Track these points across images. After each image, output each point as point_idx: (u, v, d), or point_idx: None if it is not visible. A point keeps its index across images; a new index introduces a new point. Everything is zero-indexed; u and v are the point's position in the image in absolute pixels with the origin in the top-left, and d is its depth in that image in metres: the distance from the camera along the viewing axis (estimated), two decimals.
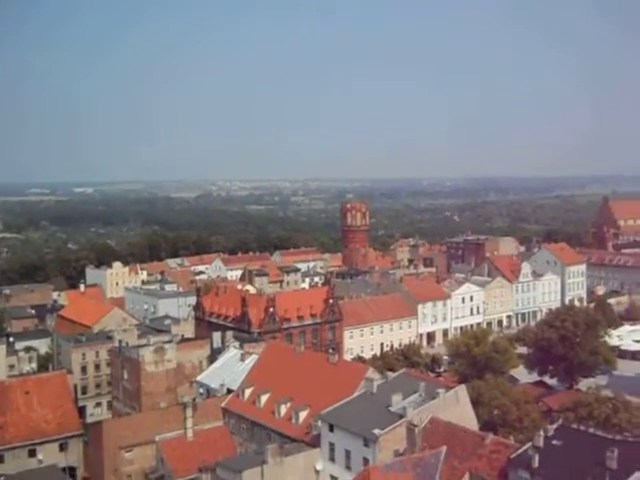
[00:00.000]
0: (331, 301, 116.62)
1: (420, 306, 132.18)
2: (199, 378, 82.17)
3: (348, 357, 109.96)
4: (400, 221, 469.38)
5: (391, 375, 63.90)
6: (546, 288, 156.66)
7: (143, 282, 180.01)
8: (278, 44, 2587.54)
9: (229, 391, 75.05)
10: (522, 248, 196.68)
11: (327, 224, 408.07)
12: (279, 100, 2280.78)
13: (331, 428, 57.75)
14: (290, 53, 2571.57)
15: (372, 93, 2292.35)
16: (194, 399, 74.77)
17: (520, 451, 48.97)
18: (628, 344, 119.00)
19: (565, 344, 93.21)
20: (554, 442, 49.03)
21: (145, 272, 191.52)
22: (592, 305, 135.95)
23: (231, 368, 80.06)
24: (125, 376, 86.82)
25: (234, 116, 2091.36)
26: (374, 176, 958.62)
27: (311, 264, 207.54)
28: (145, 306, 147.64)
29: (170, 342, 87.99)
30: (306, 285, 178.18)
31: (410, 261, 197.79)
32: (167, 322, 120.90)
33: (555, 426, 51.57)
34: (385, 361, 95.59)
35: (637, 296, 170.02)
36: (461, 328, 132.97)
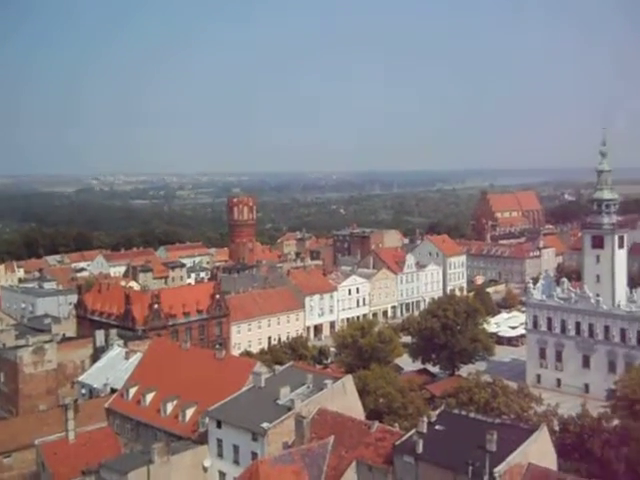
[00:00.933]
0: (217, 296, 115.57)
1: (307, 299, 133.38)
2: (81, 378, 79.37)
3: (236, 352, 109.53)
4: (287, 215, 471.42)
5: (279, 368, 64.11)
6: (429, 278, 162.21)
7: (20, 280, 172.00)
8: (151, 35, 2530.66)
9: (113, 391, 72.97)
10: (406, 240, 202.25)
11: (213, 218, 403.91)
12: (166, 92, 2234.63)
13: (219, 424, 57.36)
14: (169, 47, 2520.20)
15: (264, 88, 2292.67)
16: (76, 400, 72.16)
17: (405, 438, 50.46)
18: (505, 331, 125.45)
19: (447, 332, 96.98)
20: (437, 427, 50.84)
21: (22, 270, 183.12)
22: (472, 294, 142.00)
23: (115, 367, 77.87)
24: (1, 379, 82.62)
25: (121, 108, 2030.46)
26: (262, 170, 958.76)
27: (197, 259, 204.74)
28: (23, 305, 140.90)
29: (50, 342, 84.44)
30: (192, 281, 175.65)
31: (297, 254, 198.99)
32: (47, 321, 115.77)
33: (438, 412, 53.50)
34: (273, 355, 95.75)
35: (513, 285, 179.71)
36: (348, 320, 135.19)
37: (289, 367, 64.96)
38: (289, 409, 55.04)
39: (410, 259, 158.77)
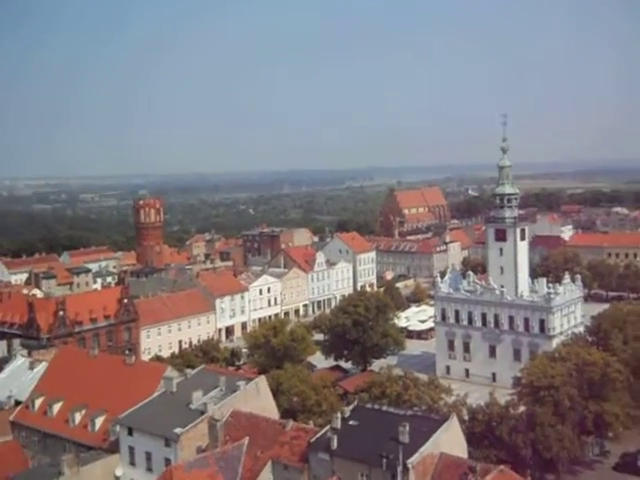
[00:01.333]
0: (126, 301, 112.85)
1: (218, 300, 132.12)
2: None
3: (146, 357, 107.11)
4: (195, 216, 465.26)
5: (190, 372, 63.30)
6: (339, 276, 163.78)
7: None
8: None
9: (17, 403, 70.08)
10: (316, 238, 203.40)
11: (120, 222, 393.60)
12: (67, 92, 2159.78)
13: (130, 432, 56.07)
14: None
15: (166, 89, 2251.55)
16: None
17: (319, 434, 50.80)
18: (415, 324, 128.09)
19: (358, 328, 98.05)
20: (351, 422, 51.46)
21: None
22: (382, 290, 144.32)
23: (19, 378, 74.73)
24: None
25: (19, 108, 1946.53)
26: (169, 171, 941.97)
27: (103, 264, 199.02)
28: None
29: None
30: (98, 286, 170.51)
31: (206, 256, 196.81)
32: None
33: (351, 407, 54.16)
34: (184, 359, 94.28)
35: (422, 279, 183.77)
36: (260, 320, 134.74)
37: (201, 370, 64.27)
38: (202, 413, 54.40)
39: (320, 257, 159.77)
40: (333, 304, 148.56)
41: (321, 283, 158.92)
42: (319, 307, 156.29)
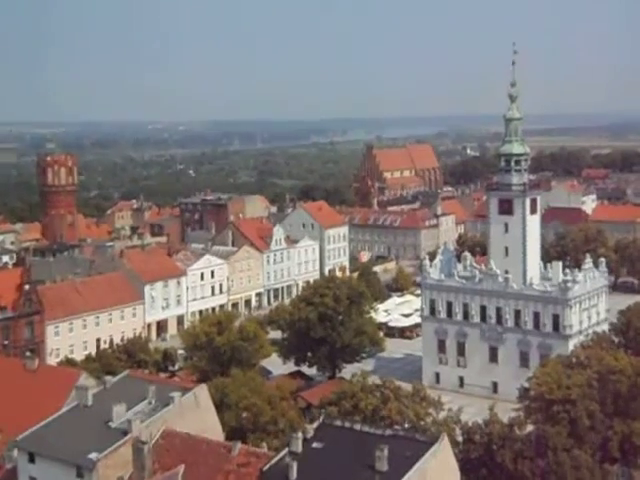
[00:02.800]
0: (27, 287, 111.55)
1: (147, 287, 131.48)
2: None
3: (53, 361, 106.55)
4: (119, 178, 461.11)
5: (111, 380, 62.90)
6: (302, 257, 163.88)
7: None
8: None
9: None
10: (273, 209, 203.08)
11: (19, 184, 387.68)
12: None
13: (31, 458, 55.66)
14: None
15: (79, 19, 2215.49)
16: None
17: (275, 460, 50.76)
18: (396, 319, 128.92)
19: (325, 324, 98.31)
20: (315, 445, 51.53)
21: None
22: (356, 275, 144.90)
23: None
24: None
25: None
26: (84, 119, 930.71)
27: None
28: None
29: None
30: None
31: (133, 229, 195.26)
32: None
33: (316, 425, 54.21)
34: (103, 362, 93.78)
35: (405, 262, 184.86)
36: (200, 313, 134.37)
37: (124, 377, 63.93)
38: (125, 433, 54.15)
39: (279, 233, 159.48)
40: (294, 293, 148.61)
41: (279, 266, 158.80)
42: (276, 297, 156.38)
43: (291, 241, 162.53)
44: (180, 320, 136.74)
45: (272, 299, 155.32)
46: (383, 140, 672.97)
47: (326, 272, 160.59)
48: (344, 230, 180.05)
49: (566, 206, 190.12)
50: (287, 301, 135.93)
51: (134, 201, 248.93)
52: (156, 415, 56.01)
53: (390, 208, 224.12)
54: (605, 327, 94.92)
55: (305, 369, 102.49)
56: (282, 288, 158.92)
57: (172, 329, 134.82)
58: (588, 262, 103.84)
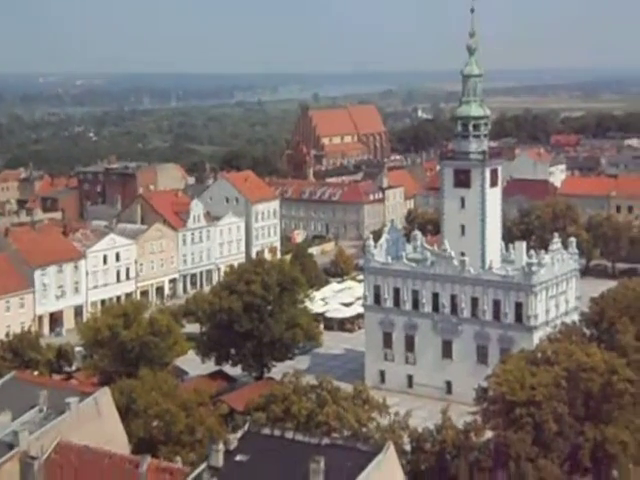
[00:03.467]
0: None
1: (38, 273, 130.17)
2: None
3: None
4: (4, 141, 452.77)
5: None
6: (225, 236, 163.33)
7: None
8: None
9: None
10: (191, 179, 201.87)
11: None
12: None
13: None
14: None
15: None
16: None
17: (191, 477, 50.60)
18: (335, 309, 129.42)
19: (252, 316, 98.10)
20: (238, 458, 51.44)
21: None
22: (288, 258, 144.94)
23: None
24: None
25: None
26: None
27: None
28: None
29: None
30: None
31: (21, 204, 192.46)
32: None
33: (240, 434, 54.11)
34: None
35: (346, 242, 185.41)
36: (103, 302, 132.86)
37: (10, 381, 63.32)
38: (10, 447, 53.56)
39: (197, 208, 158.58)
40: (215, 279, 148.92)
41: (197, 247, 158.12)
42: (194, 284, 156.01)
43: (212, 218, 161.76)
44: (78, 311, 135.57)
45: (189, 286, 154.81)
46: (320, 99, 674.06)
47: (253, 254, 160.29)
48: (274, 205, 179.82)
49: (531, 178, 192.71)
50: (207, 289, 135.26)
51: (22, 170, 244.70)
52: (48, 425, 55.44)
53: (329, 180, 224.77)
54: (575, 317, 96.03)
55: (228, 369, 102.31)
56: (201, 273, 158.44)
57: (69, 322, 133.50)
58: (556, 242, 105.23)
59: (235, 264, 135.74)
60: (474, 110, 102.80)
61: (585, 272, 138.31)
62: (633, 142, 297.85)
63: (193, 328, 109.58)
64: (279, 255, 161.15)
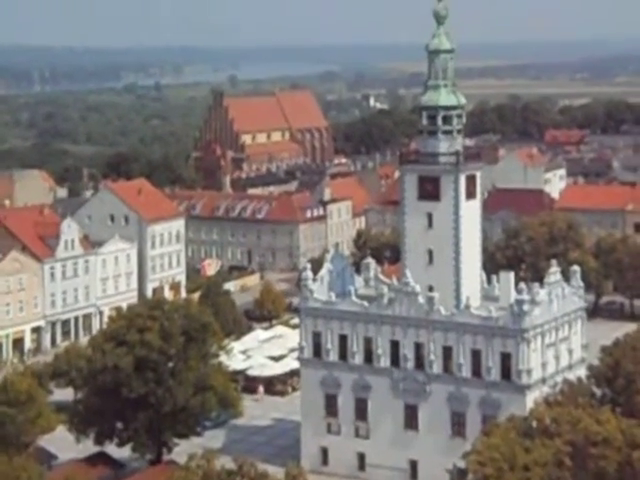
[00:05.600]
0: None
1: None
2: None
3: None
4: None
5: None
6: (110, 268, 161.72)
7: None
8: None
9: None
10: (62, 191, 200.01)
11: None
12: None
13: None
14: None
15: None
16: None
17: None
18: (260, 366, 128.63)
19: (147, 376, 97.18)
20: None
21: None
22: (197, 296, 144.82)
23: None
24: None
25: None
26: None
27: None
28: None
29: None
30: None
31: None
32: None
33: None
34: None
35: (275, 274, 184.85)
36: None
37: None
38: None
39: (70, 230, 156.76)
40: (96, 327, 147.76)
41: (72, 284, 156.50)
42: (66, 333, 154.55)
43: (91, 244, 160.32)
44: None
45: (59, 337, 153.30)
46: (239, 83, 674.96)
47: (149, 292, 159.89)
48: (178, 225, 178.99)
49: (521, 187, 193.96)
50: (84, 340, 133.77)
51: None
52: None
53: (251, 191, 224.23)
54: (582, 372, 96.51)
55: (112, 450, 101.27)
56: (76, 319, 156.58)
57: None
58: (554, 273, 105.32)
59: (124, 306, 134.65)
60: (444, 98, 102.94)
61: (594, 312, 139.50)
62: None
63: (64, 394, 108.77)
64: (184, 293, 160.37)
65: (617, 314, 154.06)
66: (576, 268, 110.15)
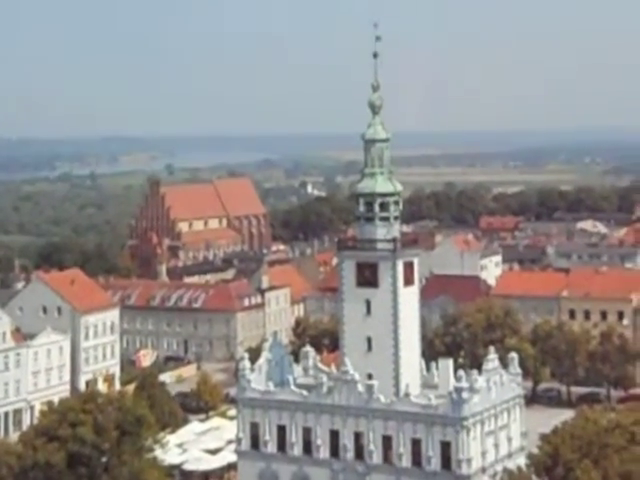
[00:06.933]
0: None
1: None
2: None
3: None
4: None
5: None
6: (42, 361, 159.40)
7: None
8: None
9: None
10: None
11: None
12: None
13: None
14: None
15: None
16: None
17: None
18: (197, 459, 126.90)
19: (80, 472, 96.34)
20: None
21: None
22: (132, 388, 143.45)
23: None
24: None
25: None
26: None
27: None
28: None
29: None
30: None
31: None
32: None
33: None
34: None
35: (212, 365, 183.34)
36: None
37: None
38: None
39: (2, 322, 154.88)
40: (27, 422, 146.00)
41: (1, 378, 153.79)
42: None
43: (23, 336, 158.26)
44: None
45: None
46: (176, 171, 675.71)
47: (82, 385, 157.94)
48: (112, 316, 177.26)
49: (458, 273, 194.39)
50: (14, 436, 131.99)
51: None
52: None
53: (188, 279, 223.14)
54: (522, 461, 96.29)
55: None
56: (6, 414, 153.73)
57: None
58: (492, 359, 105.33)
59: (56, 400, 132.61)
60: (380, 185, 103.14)
61: (532, 399, 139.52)
62: (587, 225, 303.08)
63: None
64: (118, 386, 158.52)
65: (555, 401, 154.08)
66: (514, 355, 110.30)
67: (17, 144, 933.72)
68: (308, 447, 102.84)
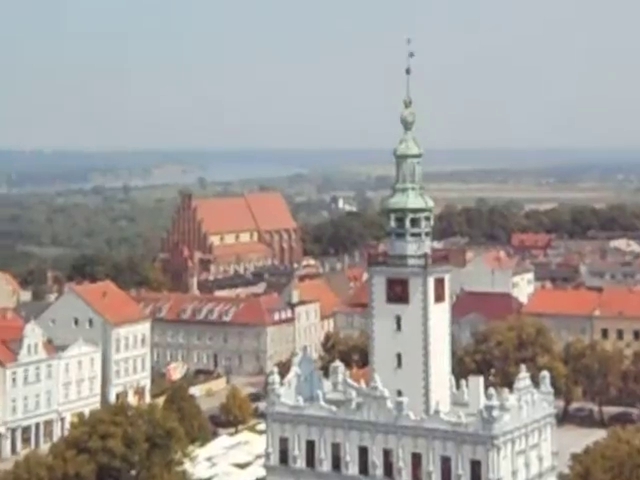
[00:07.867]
0: None
1: None
2: None
3: None
4: None
5: None
6: (73, 373, 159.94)
7: None
8: None
9: None
10: (26, 294, 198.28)
11: None
12: None
13: None
14: None
15: None
16: None
17: None
18: (226, 473, 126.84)
19: None
20: None
21: None
22: (162, 401, 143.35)
23: None
24: None
25: None
26: None
27: None
28: None
29: None
30: None
31: None
32: None
33: None
34: None
35: (241, 379, 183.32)
36: None
37: None
38: None
39: (34, 334, 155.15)
40: (58, 433, 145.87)
41: (33, 389, 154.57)
42: (27, 440, 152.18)
43: (55, 348, 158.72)
44: None
45: (19, 444, 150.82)
46: (208, 185, 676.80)
47: (112, 397, 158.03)
48: (143, 329, 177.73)
49: (489, 290, 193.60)
50: (45, 447, 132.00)
51: None
52: None
53: (218, 293, 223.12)
54: None
55: None
56: (37, 425, 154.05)
57: None
58: (524, 378, 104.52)
59: (86, 411, 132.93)
60: (412, 201, 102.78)
61: (564, 418, 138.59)
62: (620, 244, 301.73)
63: None
64: (148, 398, 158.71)
65: (587, 421, 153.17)
66: (545, 373, 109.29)
67: (51, 157, 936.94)
68: (337, 463, 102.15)
